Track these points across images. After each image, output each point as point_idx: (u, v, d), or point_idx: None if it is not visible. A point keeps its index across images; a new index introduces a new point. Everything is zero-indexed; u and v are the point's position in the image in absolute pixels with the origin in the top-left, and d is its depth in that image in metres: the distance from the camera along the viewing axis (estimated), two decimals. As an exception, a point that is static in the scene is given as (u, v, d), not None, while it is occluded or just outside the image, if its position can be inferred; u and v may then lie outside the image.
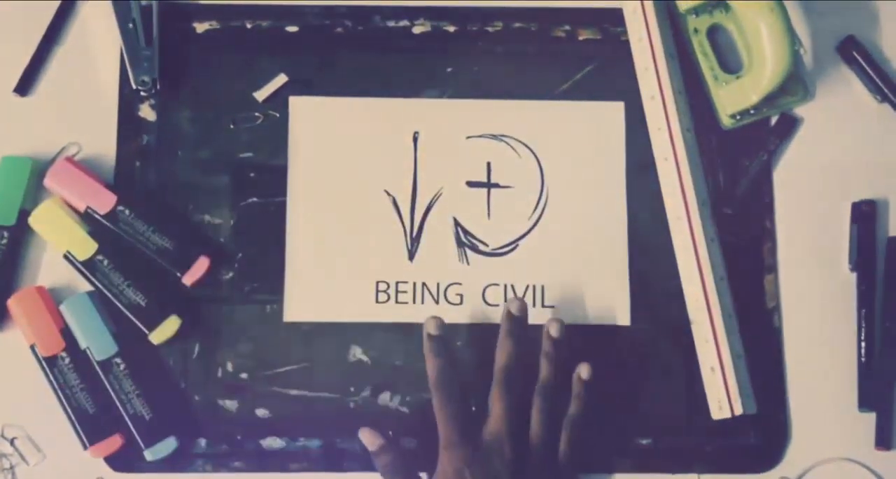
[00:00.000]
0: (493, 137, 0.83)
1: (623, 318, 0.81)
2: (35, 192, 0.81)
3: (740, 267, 0.81)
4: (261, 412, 0.79)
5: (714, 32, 0.84)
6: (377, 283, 0.81)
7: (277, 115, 0.83)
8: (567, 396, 0.77)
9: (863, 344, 0.80)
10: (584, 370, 0.77)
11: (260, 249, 0.81)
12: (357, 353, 0.80)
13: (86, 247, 0.79)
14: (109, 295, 0.79)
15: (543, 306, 0.81)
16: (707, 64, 0.83)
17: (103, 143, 0.82)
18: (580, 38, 0.85)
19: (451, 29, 0.84)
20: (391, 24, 0.84)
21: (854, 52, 0.84)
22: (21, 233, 0.80)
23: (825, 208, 0.83)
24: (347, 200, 0.82)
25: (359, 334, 0.80)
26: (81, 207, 0.80)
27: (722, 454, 0.79)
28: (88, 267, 0.79)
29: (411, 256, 0.81)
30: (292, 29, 0.84)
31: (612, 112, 0.84)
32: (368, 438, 0.77)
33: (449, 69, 0.84)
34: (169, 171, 0.82)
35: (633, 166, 0.83)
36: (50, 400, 0.78)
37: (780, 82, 0.80)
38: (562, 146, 0.83)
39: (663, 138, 0.81)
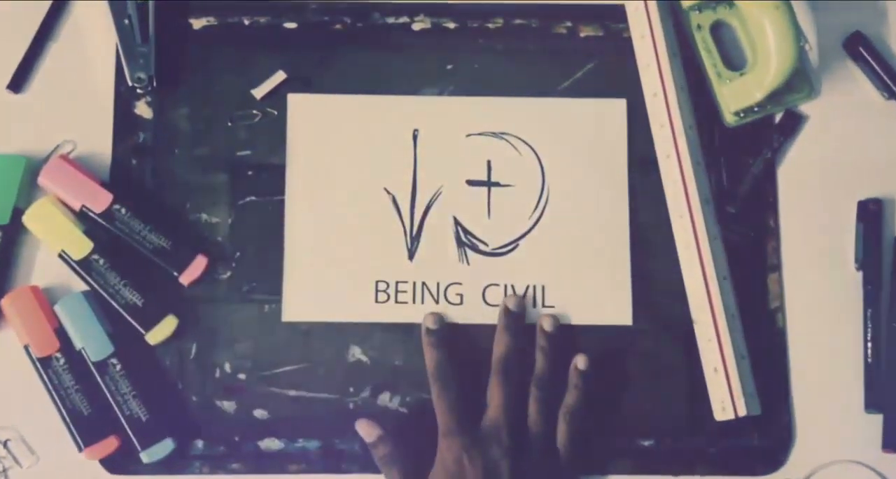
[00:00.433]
0: (494, 134, 0.83)
1: (625, 318, 0.80)
2: (29, 190, 0.81)
3: (743, 266, 0.80)
4: (259, 413, 0.79)
5: (717, 29, 0.84)
6: (377, 282, 0.80)
7: (276, 112, 0.83)
8: (562, 389, 0.77)
9: (869, 344, 0.80)
10: (580, 361, 0.77)
11: (258, 248, 0.81)
12: (356, 353, 0.80)
13: (81, 246, 0.79)
14: (105, 295, 0.78)
15: (544, 305, 0.80)
16: (710, 61, 0.83)
17: (99, 140, 0.82)
18: (581, 34, 0.84)
19: (451, 26, 0.84)
20: (391, 20, 0.84)
21: (861, 48, 0.83)
22: (15, 232, 0.80)
23: (830, 207, 0.82)
24: (347, 198, 0.82)
25: (358, 334, 0.80)
26: (76, 206, 0.79)
27: (725, 455, 0.79)
28: (84, 267, 0.78)
29: (411, 255, 0.81)
30: (291, 26, 0.84)
31: (614, 109, 0.83)
32: (365, 429, 0.77)
33: (449, 66, 0.83)
34: (165, 169, 0.82)
35: (635, 164, 0.82)
36: (44, 402, 0.77)
37: (785, 79, 0.80)
38: (563, 144, 0.83)
39: (666, 136, 0.81)
